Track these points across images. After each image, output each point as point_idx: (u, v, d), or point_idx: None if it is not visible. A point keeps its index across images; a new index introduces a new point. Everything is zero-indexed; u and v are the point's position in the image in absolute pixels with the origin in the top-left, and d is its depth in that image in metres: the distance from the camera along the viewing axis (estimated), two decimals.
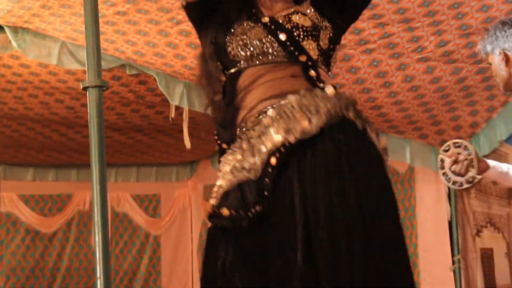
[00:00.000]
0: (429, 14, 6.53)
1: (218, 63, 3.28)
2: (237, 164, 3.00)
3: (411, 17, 6.56)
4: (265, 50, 3.11)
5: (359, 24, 6.81)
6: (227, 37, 3.19)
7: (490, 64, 4.57)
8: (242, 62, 3.16)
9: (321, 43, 3.18)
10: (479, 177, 4.67)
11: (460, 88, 7.51)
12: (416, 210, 9.30)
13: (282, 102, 3.01)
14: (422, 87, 7.54)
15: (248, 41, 3.13)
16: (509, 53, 4.41)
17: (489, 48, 4.53)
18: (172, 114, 8.08)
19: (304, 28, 3.13)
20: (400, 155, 8.57)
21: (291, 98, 2.99)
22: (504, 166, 4.75)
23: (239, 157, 3.01)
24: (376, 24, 6.62)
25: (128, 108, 9.00)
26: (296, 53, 3.09)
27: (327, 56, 3.24)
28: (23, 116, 9.14)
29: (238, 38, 3.15)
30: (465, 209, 8.65)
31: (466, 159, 4.60)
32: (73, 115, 9.04)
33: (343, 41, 7.06)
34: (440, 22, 6.62)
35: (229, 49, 3.18)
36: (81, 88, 3.81)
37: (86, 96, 3.82)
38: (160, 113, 9.02)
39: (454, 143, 4.76)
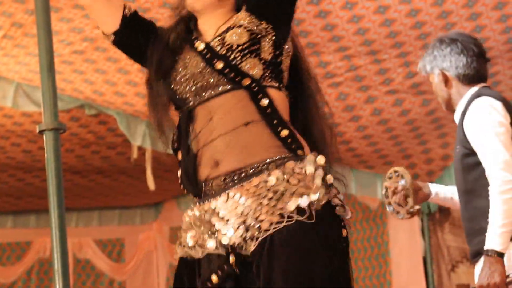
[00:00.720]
0: (396, 45, 6.57)
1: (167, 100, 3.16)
2: (198, 241, 2.94)
3: (377, 48, 6.58)
4: (208, 82, 2.94)
5: (325, 56, 6.82)
6: (172, 73, 3.05)
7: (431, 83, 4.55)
8: (190, 99, 2.99)
9: (263, 56, 2.98)
10: (417, 207, 4.49)
11: (430, 121, 7.54)
12: (390, 247, 9.25)
13: (254, 183, 2.86)
14: (392, 120, 7.56)
15: (190, 75, 2.97)
16: (447, 73, 4.40)
17: (428, 67, 4.51)
18: (134, 154, 8.07)
19: (240, 48, 2.94)
20: (371, 191, 8.58)
21: (270, 180, 2.83)
22: (448, 192, 4.63)
23: (200, 230, 2.95)
24: (343, 57, 6.64)
25: (88, 149, 8.98)
26: (238, 78, 2.91)
27: (275, 65, 3.03)
28: None
29: (182, 73, 3.00)
30: (440, 244, 8.66)
31: (403, 189, 4.47)
32: (30, 159, 9.01)
33: None
34: (408, 53, 6.66)
35: (176, 87, 3.03)
36: (38, 131, 3.78)
37: (43, 138, 3.80)
38: (121, 154, 9.00)
39: (395, 171, 4.60)
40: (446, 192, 4.63)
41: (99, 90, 7.43)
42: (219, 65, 2.89)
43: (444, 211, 8.47)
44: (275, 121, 2.87)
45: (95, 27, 6.49)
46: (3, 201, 10.42)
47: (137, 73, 6.84)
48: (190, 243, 2.94)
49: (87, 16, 6.44)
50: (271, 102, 2.89)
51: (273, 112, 2.88)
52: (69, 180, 9.22)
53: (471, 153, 4.23)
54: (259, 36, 2.99)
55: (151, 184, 8.03)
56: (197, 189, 2.98)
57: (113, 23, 3.14)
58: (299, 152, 2.90)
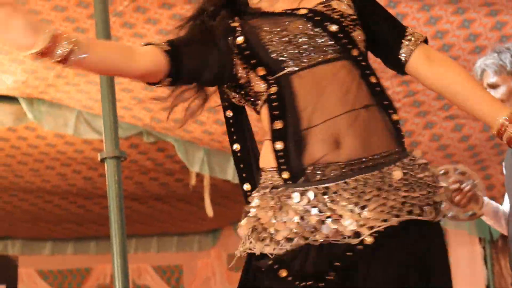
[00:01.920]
0: None
1: (259, 67, 2.68)
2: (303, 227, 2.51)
3: None
4: (314, 45, 2.61)
5: (384, 82, 6.78)
6: (262, 34, 2.66)
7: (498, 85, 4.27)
8: (290, 62, 2.61)
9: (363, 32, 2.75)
10: (480, 212, 4.32)
11: (491, 146, 7.48)
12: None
13: (380, 177, 2.54)
14: (451, 146, 7.52)
15: (292, 36, 2.61)
16: None
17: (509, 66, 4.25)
18: (193, 181, 8.08)
19: (350, 17, 2.69)
20: None
21: (395, 174, 2.53)
22: (494, 204, 4.46)
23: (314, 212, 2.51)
24: (401, 82, 6.62)
25: (147, 176, 9.02)
26: (349, 46, 2.62)
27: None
28: (40, 189, 9.18)
29: (278, 35, 2.64)
30: (502, 273, 8.53)
31: (470, 191, 4.22)
32: (90, 185, 9.07)
33: None
34: None
35: (271, 48, 2.63)
36: (99, 159, 3.81)
37: (104, 166, 3.84)
38: (179, 181, 9.02)
39: (455, 169, 4.36)
40: (493, 203, 4.49)
41: (158, 117, 7.46)
42: (333, 27, 2.61)
43: (506, 237, 8.38)
44: (386, 102, 2.63)
45: None
46: (64, 227, 10.48)
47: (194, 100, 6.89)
48: (294, 229, 2.50)
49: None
50: (378, 80, 2.65)
51: (382, 92, 2.64)
52: (128, 207, 9.23)
53: None
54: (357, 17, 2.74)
55: (209, 210, 8.02)
56: (300, 168, 2.56)
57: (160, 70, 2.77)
58: (403, 142, 2.65)
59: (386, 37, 2.75)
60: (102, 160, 3.78)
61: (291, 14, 2.66)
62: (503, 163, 4.47)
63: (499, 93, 4.12)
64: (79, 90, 7.15)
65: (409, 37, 2.70)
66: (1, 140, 8.18)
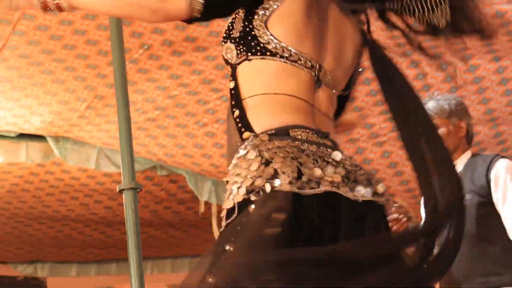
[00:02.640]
0: None
1: None
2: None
3: None
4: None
5: (371, 119, 6.80)
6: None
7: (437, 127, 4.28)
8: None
9: None
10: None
11: None
12: None
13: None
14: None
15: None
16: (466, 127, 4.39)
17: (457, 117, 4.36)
18: (202, 209, 8.09)
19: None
20: None
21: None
22: None
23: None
24: (386, 119, 6.62)
25: (161, 205, 9.03)
26: None
27: None
28: (65, 217, 9.19)
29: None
30: None
31: (406, 222, 4.21)
32: (111, 214, 9.07)
33: (356, 135, 7.10)
34: None
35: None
36: (118, 190, 3.81)
37: (122, 196, 3.83)
38: (190, 209, 9.03)
39: (394, 202, 4.39)
40: None
41: (170, 152, 7.48)
42: None
43: None
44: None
45: (166, 97, 6.59)
46: (87, 252, 10.49)
47: (203, 137, 6.90)
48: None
49: (160, 88, 6.51)
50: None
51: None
52: (144, 233, 9.23)
53: (489, 202, 4.11)
54: None
55: (216, 234, 8.01)
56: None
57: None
58: None
59: None
60: (121, 191, 3.80)
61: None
62: None
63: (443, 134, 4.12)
64: (99, 129, 7.17)
65: None
66: (31, 174, 8.18)
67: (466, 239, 4.08)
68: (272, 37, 2.39)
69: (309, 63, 2.41)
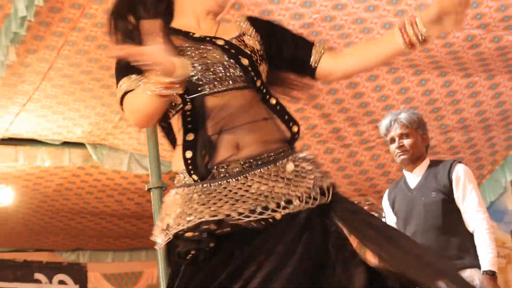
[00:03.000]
0: None
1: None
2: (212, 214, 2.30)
3: None
4: (228, 74, 2.43)
5: (361, 127, 6.79)
6: (185, 57, 2.44)
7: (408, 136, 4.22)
8: (206, 86, 2.42)
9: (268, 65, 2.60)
10: None
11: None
12: None
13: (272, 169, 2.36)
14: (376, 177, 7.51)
15: (210, 64, 2.43)
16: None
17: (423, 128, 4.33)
18: None
19: (259, 52, 2.55)
20: None
21: (287, 167, 2.35)
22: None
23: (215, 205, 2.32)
24: (374, 127, 6.59)
25: None
26: (255, 78, 2.47)
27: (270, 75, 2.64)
28: (102, 212, 9.18)
29: (199, 61, 2.45)
30: None
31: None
32: (141, 209, 9.05)
33: (349, 141, 7.06)
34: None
35: (192, 72, 2.40)
36: (146, 189, 3.82)
37: (150, 194, 3.82)
38: None
39: (366, 200, 4.50)
40: None
41: None
42: (245, 61, 2.46)
43: None
44: (286, 117, 2.47)
45: None
46: (121, 241, 10.47)
47: None
48: (207, 216, 2.27)
49: None
50: (278, 101, 2.50)
51: (283, 110, 2.49)
52: None
53: (450, 200, 4.10)
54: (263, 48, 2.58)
55: None
56: (207, 170, 2.37)
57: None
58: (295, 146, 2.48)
59: (297, 53, 2.55)
60: (149, 190, 3.81)
61: (210, 41, 2.46)
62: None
63: (407, 143, 4.10)
64: (131, 137, 7.18)
65: (317, 47, 2.52)
66: (73, 176, 8.21)
67: (433, 231, 4.05)
68: None
69: None
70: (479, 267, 3.98)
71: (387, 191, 4.31)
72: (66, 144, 7.43)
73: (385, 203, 4.24)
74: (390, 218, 4.23)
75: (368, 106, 6.50)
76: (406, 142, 4.08)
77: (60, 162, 7.52)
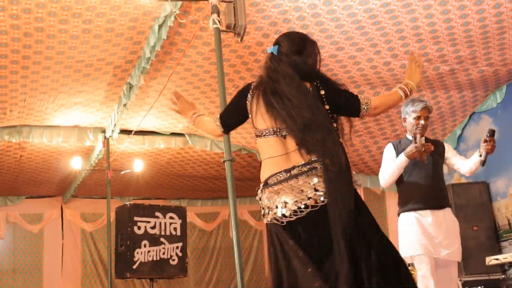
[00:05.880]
0: None
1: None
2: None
3: None
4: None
5: (353, 122, 6.71)
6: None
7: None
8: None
9: None
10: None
11: None
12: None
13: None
14: None
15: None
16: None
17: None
18: None
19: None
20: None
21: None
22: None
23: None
24: (362, 123, 6.55)
25: (244, 169, 8.99)
26: None
27: None
28: (195, 175, 9.22)
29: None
30: None
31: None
32: (218, 173, 9.10)
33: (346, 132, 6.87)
34: None
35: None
36: (222, 161, 3.77)
37: (225, 164, 3.82)
38: (258, 170, 8.88)
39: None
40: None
41: (248, 141, 7.51)
42: None
43: None
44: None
45: None
46: (206, 193, 10.47)
47: None
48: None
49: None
50: None
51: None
52: (236, 182, 9.19)
53: (443, 159, 3.69)
54: None
55: None
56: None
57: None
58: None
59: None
60: (224, 161, 3.68)
61: None
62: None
63: (426, 124, 3.62)
64: None
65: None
66: (177, 153, 8.26)
67: (436, 175, 3.55)
68: None
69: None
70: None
71: (391, 145, 3.68)
72: (173, 134, 7.46)
73: (392, 151, 3.64)
74: (394, 160, 3.60)
75: None
76: (426, 123, 3.60)
77: (169, 145, 7.54)
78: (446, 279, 3.46)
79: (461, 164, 3.66)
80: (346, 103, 2.30)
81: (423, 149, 3.42)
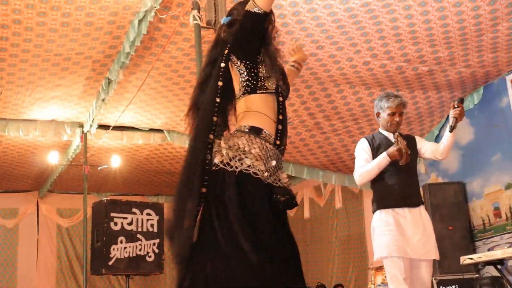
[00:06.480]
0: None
1: None
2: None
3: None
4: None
5: (333, 122, 6.76)
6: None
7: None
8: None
9: None
10: None
11: None
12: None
13: None
14: None
15: None
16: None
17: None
18: None
19: None
20: None
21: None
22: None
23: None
24: (341, 122, 6.52)
25: None
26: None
27: None
28: (173, 172, 9.08)
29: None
30: None
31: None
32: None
33: (325, 130, 6.72)
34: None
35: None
36: None
37: None
38: None
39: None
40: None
41: None
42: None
43: None
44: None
45: None
46: None
47: None
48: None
49: None
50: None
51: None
52: None
53: (416, 152, 3.58)
54: None
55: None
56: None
57: None
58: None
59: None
60: None
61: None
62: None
63: (400, 120, 3.55)
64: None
65: None
66: (155, 149, 8.20)
67: (411, 169, 3.48)
68: None
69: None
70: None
71: (365, 140, 3.56)
72: (151, 130, 7.40)
73: (367, 145, 3.54)
74: (369, 155, 3.53)
75: (337, 109, 6.50)
76: (400, 119, 3.53)
77: (148, 141, 7.49)
78: (423, 278, 3.37)
79: (435, 147, 3.57)
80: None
81: (404, 151, 3.38)
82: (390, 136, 3.56)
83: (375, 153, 3.51)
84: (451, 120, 3.47)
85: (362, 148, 3.56)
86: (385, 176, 3.47)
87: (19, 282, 9.41)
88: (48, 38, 5.00)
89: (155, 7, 4.51)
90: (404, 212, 3.42)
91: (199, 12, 3.79)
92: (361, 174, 3.49)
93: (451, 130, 3.46)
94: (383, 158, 3.42)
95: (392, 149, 3.41)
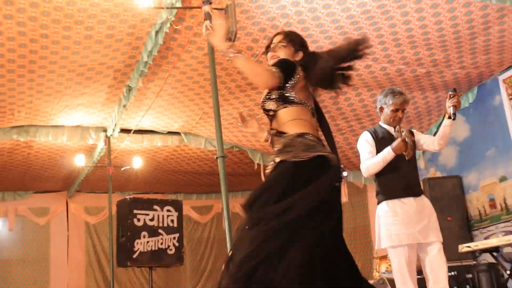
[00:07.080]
0: None
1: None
2: None
3: None
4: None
5: (337, 122, 6.74)
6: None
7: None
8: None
9: None
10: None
11: None
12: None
13: None
14: None
15: None
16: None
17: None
18: (255, 167, 7.86)
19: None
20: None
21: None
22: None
23: None
24: (345, 122, 6.48)
25: (236, 165, 8.95)
26: None
27: None
28: (190, 171, 9.15)
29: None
30: None
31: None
32: (211, 169, 9.00)
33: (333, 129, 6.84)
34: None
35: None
36: (215, 158, 3.77)
37: (217, 161, 3.82)
38: (250, 166, 8.68)
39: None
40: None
41: (240, 139, 7.49)
42: None
43: None
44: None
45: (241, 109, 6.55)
46: (201, 189, 10.36)
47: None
48: None
49: (235, 107, 6.57)
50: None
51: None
52: (228, 178, 9.10)
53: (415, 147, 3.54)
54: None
55: (263, 179, 7.87)
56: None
57: None
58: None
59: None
60: (217, 158, 3.70)
61: None
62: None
63: (402, 116, 3.50)
64: (206, 128, 7.21)
65: None
66: (173, 151, 8.19)
67: (411, 161, 3.45)
68: None
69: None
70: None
71: (368, 133, 3.51)
72: (169, 133, 7.41)
73: (370, 138, 3.49)
74: (373, 146, 3.48)
75: (342, 110, 6.49)
76: (402, 115, 3.47)
77: (166, 143, 7.49)
78: (438, 259, 3.29)
79: (433, 138, 3.51)
80: None
81: (409, 142, 3.32)
82: (391, 130, 3.52)
83: (377, 145, 3.46)
84: (451, 109, 3.40)
85: (366, 141, 3.50)
86: (389, 167, 3.40)
87: (52, 276, 9.47)
88: (73, 50, 5.02)
89: (170, 19, 4.52)
90: (409, 201, 3.37)
91: (211, 23, 3.77)
92: (368, 167, 3.43)
93: (454, 118, 3.39)
94: (387, 153, 3.37)
95: (396, 142, 3.34)
